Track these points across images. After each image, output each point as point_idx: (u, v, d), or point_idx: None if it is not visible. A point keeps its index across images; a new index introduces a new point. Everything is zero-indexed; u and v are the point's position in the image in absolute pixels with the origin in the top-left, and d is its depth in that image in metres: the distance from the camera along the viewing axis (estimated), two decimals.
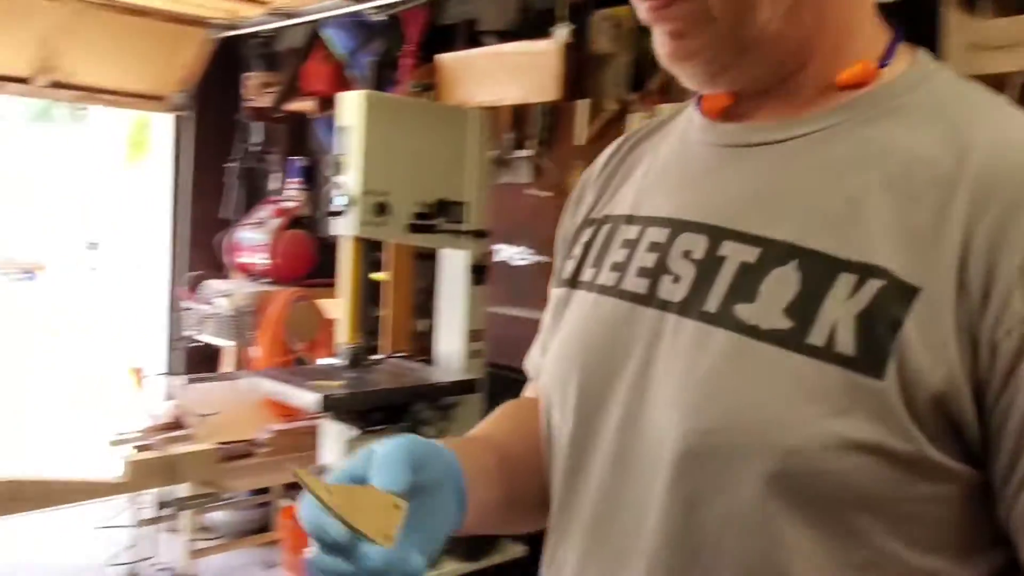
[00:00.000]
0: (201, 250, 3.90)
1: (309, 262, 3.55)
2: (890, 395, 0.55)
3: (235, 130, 3.85)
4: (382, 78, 2.90)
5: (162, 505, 2.73)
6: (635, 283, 0.69)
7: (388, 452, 0.61)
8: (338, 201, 2.17)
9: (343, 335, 2.38)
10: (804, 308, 0.59)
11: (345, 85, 3.10)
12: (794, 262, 0.60)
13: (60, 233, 13.42)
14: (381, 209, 2.18)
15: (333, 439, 2.23)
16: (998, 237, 0.54)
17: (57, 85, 3.83)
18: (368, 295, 2.43)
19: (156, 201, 4.20)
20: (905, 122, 0.62)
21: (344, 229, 2.20)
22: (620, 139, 0.84)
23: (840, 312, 0.57)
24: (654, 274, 0.68)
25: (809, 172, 0.64)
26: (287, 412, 3.10)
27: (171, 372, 3.85)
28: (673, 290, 0.66)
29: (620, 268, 0.71)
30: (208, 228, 3.85)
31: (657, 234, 0.70)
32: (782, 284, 0.60)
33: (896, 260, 0.57)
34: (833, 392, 0.56)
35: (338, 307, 3.27)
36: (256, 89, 3.62)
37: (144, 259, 4.30)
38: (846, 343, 0.56)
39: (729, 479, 0.59)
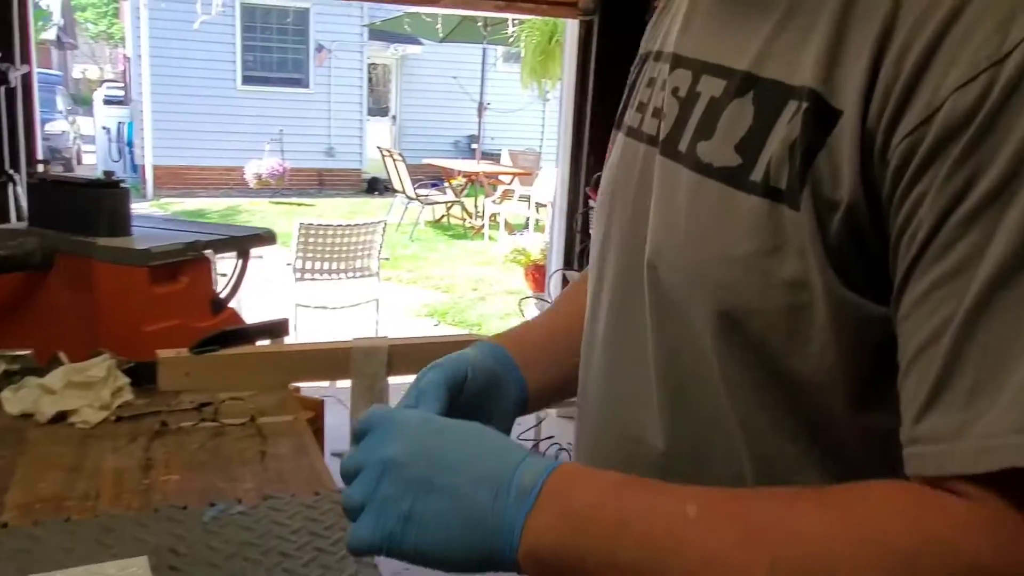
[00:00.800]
0: (604, 152, 4.03)
1: None
2: (805, 226, 0.53)
3: (639, 33, 3.87)
4: None
5: None
6: (650, 124, 0.68)
7: (426, 385, 0.68)
8: None
9: None
10: (753, 143, 0.56)
11: None
12: (750, 93, 0.57)
13: (465, 140, 14.71)
14: None
15: None
16: (910, 39, 0.49)
17: None
18: None
19: (562, 105, 4.40)
20: None
21: None
22: None
23: (777, 143, 0.54)
24: (659, 114, 0.67)
25: None
26: None
27: (574, 267, 4.08)
28: (663, 129, 0.65)
29: (642, 109, 0.71)
30: (611, 130, 3.95)
31: (665, 71, 0.68)
32: (737, 118, 0.58)
33: (826, 81, 0.52)
34: (767, 228, 0.54)
35: None
36: None
37: (549, 160, 4.56)
38: (779, 176, 0.54)
39: (688, 320, 0.60)
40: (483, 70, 11.22)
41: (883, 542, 0.46)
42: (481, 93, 11.20)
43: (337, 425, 1.52)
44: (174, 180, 12.78)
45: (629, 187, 0.69)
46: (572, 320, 0.82)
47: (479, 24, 9.83)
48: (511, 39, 9.41)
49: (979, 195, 0.46)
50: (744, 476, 0.60)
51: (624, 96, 0.80)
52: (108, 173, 2.14)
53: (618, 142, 0.75)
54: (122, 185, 2.15)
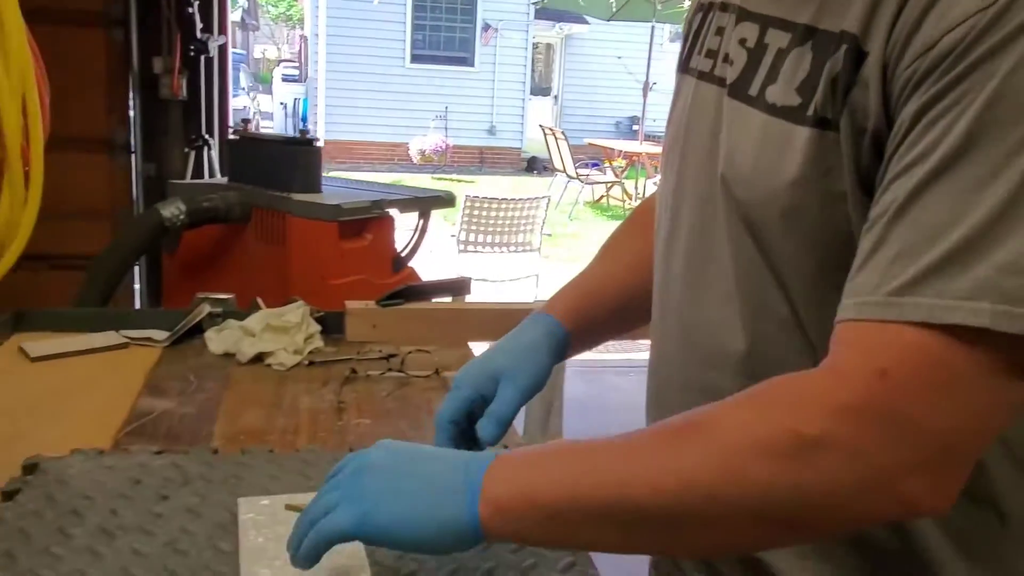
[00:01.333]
0: None
1: None
2: (844, 147, 0.63)
3: None
4: None
5: None
6: (722, 68, 0.76)
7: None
8: None
9: None
10: (810, 84, 0.65)
11: None
12: (809, 43, 0.66)
13: (627, 121, 14.58)
14: None
15: None
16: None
17: None
18: None
19: None
20: None
21: None
22: None
23: (824, 79, 0.64)
24: (728, 59, 0.75)
25: None
26: None
27: None
28: (731, 74, 0.74)
29: (712, 55, 0.78)
30: None
31: (732, 22, 0.76)
32: (798, 64, 0.67)
33: (864, 28, 0.62)
34: (820, 153, 0.64)
35: None
36: None
37: None
38: (825, 107, 0.64)
39: (762, 238, 0.70)
40: (650, 49, 11.03)
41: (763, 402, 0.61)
42: (647, 73, 11.01)
43: None
44: (343, 154, 13.32)
45: (705, 124, 0.77)
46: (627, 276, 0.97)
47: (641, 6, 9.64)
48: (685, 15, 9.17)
49: (943, 105, 0.57)
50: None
51: (685, 41, 0.87)
52: (303, 131, 2.22)
53: (688, 84, 0.83)
54: (315, 144, 2.23)
